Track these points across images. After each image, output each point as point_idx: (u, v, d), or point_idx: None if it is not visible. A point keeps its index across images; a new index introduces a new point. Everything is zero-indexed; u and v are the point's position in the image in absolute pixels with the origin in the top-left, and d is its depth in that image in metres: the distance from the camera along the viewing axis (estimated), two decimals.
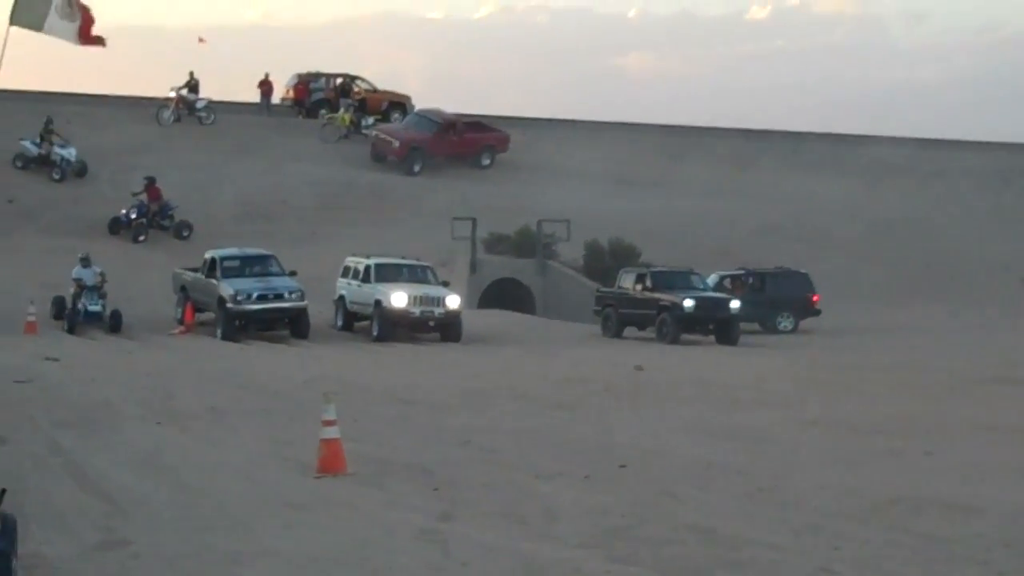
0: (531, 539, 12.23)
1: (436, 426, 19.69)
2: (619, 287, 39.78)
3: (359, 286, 37.26)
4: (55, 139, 50.21)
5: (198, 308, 37.21)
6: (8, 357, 28.16)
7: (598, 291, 41.62)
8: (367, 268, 37.36)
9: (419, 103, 60.83)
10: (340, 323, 38.01)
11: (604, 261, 46.60)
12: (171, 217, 46.78)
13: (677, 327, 37.43)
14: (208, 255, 37.45)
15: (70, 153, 49.92)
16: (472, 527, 12.71)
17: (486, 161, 57.21)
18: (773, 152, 62.32)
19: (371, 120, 58.29)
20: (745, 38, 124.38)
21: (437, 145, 56.02)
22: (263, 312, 35.66)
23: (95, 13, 11.06)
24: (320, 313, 37.56)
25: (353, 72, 61.71)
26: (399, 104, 60.96)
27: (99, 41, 10.03)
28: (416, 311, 36.09)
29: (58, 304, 36.49)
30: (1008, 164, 63.45)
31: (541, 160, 57.89)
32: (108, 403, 21.35)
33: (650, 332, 38.38)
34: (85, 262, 36.43)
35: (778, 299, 42.70)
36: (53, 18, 10.08)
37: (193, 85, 56.90)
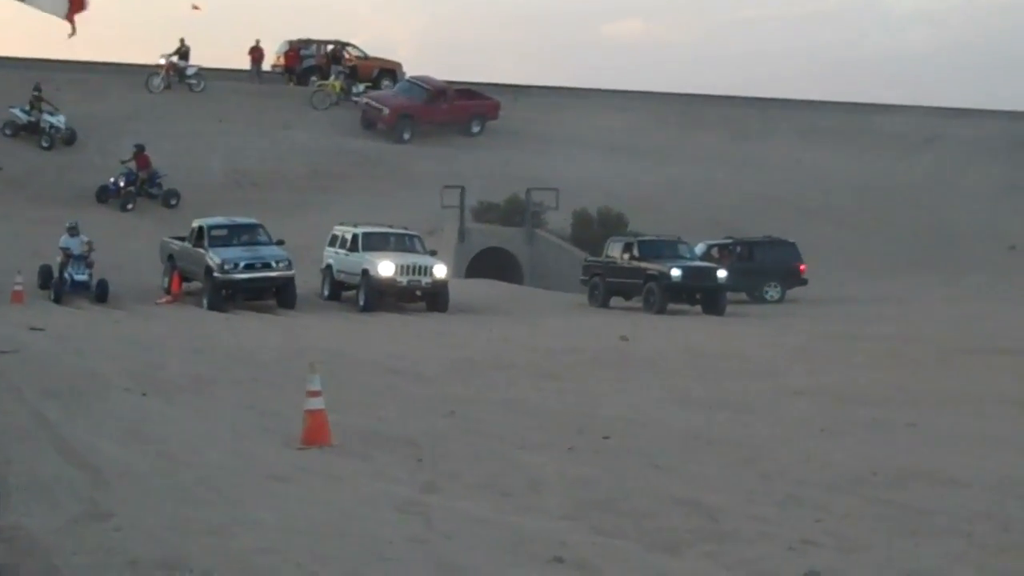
0: (515, 511, 12.24)
1: (421, 397, 19.69)
2: (606, 256, 39.77)
3: (346, 255, 37.22)
4: (44, 106, 50.04)
5: (185, 277, 37.15)
6: None
7: (586, 260, 41.62)
8: (354, 237, 37.30)
9: (410, 70, 60.70)
10: (327, 292, 37.97)
11: (592, 230, 46.62)
12: (159, 185, 46.67)
13: (664, 296, 37.44)
14: (196, 224, 37.39)
15: (59, 120, 49.78)
16: (456, 498, 12.72)
17: (476, 128, 57.13)
18: (764, 120, 62.26)
19: (362, 87, 58.14)
20: (737, 4, 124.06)
21: (427, 112, 55.93)
22: (250, 282, 35.60)
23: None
24: (307, 282, 37.51)
25: (344, 39, 61.61)
26: (390, 71, 60.78)
27: (72, 19, 9.97)
28: (403, 280, 36.07)
29: (44, 273, 36.43)
30: (1000, 133, 63.44)
31: (531, 128, 57.80)
32: (94, 373, 21.31)
33: (637, 302, 38.40)
34: (73, 231, 36.33)
35: (765, 269, 42.75)
36: None
37: (183, 52, 56.71)
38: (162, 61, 56.29)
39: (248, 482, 13.38)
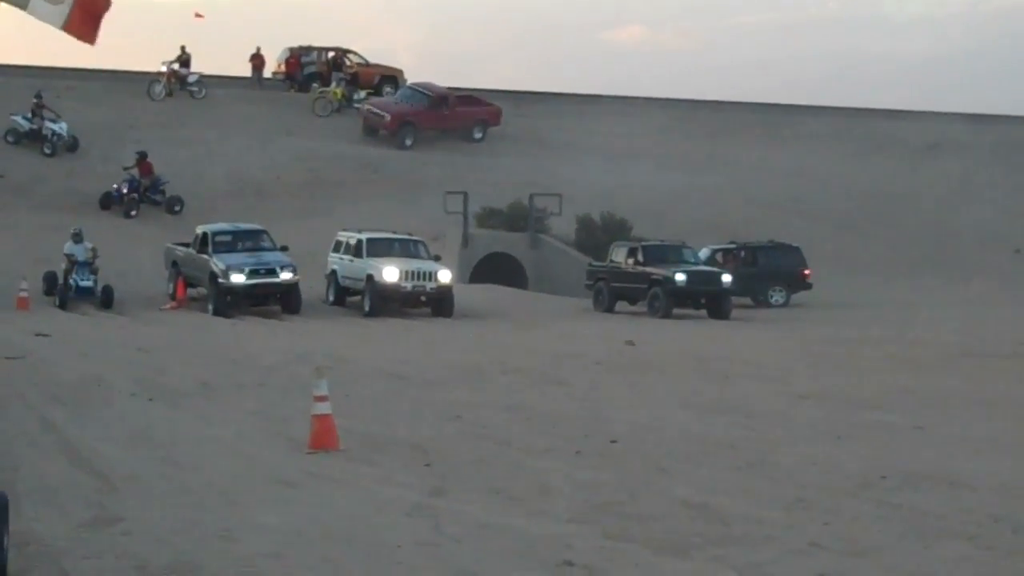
0: (523, 515, 12.24)
1: (428, 401, 19.68)
2: (611, 261, 39.78)
3: (351, 261, 37.23)
4: (46, 113, 50.06)
5: (190, 283, 37.18)
6: None
7: (590, 265, 41.62)
8: (359, 243, 37.32)
9: (411, 77, 60.68)
10: (332, 298, 37.98)
11: (596, 235, 46.60)
12: (163, 192, 46.68)
13: (669, 301, 37.44)
14: (199, 230, 37.40)
15: (61, 128, 49.77)
16: (464, 503, 12.71)
17: (478, 135, 57.10)
18: (766, 125, 62.21)
19: (363, 94, 58.12)
20: (738, 11, 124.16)
21: (429, 119, 55.90)
22: (255, 287, 35.61)
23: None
24: (311, 288, 37.53)
25: (345, 46, 61.56)
26: (391, 78, 60.73)
27: (87, 36, 9.88)
28: (408, 286, 36.06)
29: (49, 280, 36.48)
30: (1001, 137, 63.35)
31: (534, 134, 57.79)
32: (100, 379, 21.33)
33: (642, 306, 38.40)
34: (77, 237, 36.38)
35: (770, 273, 42.75)
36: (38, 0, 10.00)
37: (185, 60, 56.70)
38: (164, 68, 56.26)
39: (255, 487, 13.39)
